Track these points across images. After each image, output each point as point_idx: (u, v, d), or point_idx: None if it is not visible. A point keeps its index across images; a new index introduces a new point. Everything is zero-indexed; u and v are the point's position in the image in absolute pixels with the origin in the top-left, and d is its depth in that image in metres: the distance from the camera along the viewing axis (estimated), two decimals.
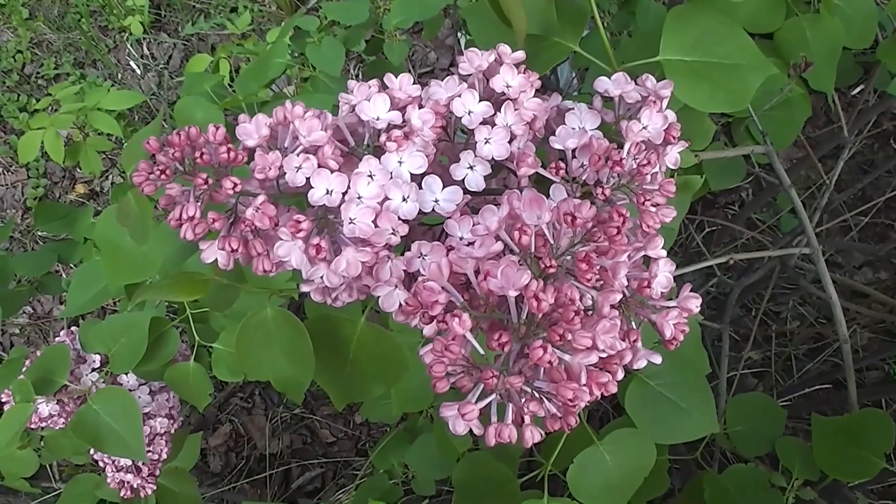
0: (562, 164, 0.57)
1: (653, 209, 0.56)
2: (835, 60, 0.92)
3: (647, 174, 0.56)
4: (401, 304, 0.54)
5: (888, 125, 2.04)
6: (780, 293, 1.89)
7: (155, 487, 1.15)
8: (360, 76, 2.46)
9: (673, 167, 0.61)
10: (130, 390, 1.13)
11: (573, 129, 0.60)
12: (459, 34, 2.24)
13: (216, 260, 0.55)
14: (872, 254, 1.84)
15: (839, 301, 0.97)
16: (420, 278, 0.52)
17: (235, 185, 0.52)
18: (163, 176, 0.51)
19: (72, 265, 1.72)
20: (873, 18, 0.98)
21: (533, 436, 0.49)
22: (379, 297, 0.56)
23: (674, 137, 0.60)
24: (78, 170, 2.41)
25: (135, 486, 1.14)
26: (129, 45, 2.59)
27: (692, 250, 1.79)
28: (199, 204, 0.52)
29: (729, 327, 1.33)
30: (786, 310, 1.96)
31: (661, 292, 0.57)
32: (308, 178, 0.53)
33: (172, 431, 1.15)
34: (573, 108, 0.62)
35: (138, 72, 2.56)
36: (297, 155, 0.53)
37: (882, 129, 1.98)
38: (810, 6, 0.96)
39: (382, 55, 1.40)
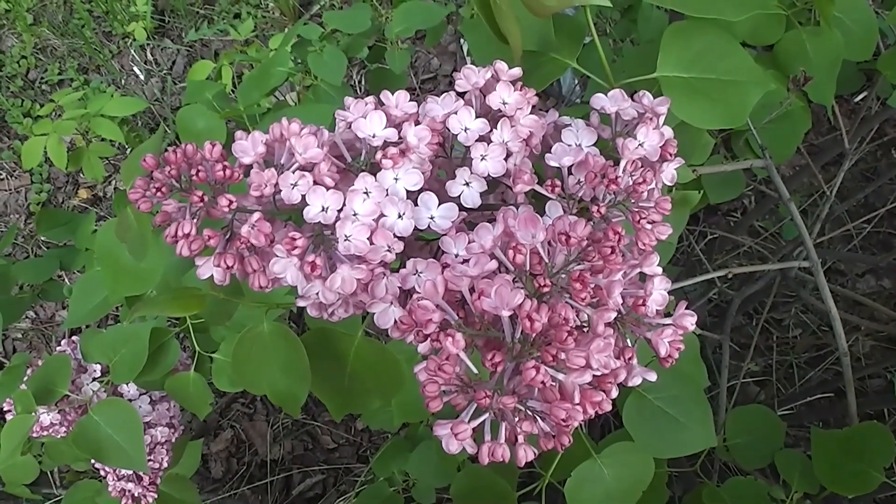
0: (557, 182, 0.57)
1: (648, 227, 0.56)
2: (835, 73, 0.91)
3: (642, 192, 0.56)
4: (396, 322, 0.54)
5: (892, 133, 2.03)
6: (783, 302, 1.89)
7: (156, 496, 1.15)
8: (364, 82, 2.46)
9: (669, 184, 0.61)
10: (131, 400, 1.13)
11: (569, 145, 0.60)
12: (462, 41, 2.24)
13: (213, 276, 0.55)
14: (874, 264, 1.84)
15: (840, 313, 0.97)
16: (415, 296, 0.52)
17: (231, 202, 0.52)
18: (158, 193, 0.51)
19: (76, 271, 1.73)
20: (874, 30, 0.98)
21: (526, 455, 0.49)
22: (374, 313, 0.56)
23: (670, 154, 0.60)
24: (81, 175, 2.41)
25: (136, 494, 1.14)
26: (132, 51, 2.60)
27: (694, 258, 1.78)
28: (195, 221, 0.52)
29: (730, 337, 1.33)
30: (788, 317, 1.96)
31: (657, 310, 0.56)
32: (304, 196, 0.53)
33: (173, 440, 1.15)
34: (570, 125, 0.62)
35: (142, 77, 2.57)
36: (293, 172, 0.53)
37: (886, 137, 1.98)
38: (811, 17, 0.96)
39: (385, 63, 1.40)
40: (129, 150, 2.26)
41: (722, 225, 2.01)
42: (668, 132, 0.61)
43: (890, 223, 1.99)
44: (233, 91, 1.97)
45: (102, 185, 2.44)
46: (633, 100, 0.62)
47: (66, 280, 2.04)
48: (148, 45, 2.59)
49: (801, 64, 0.91)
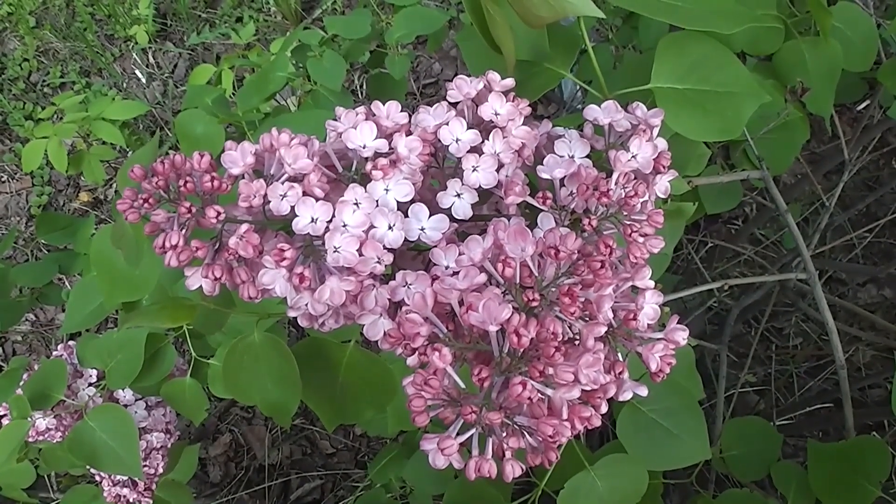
0: (549, 194, 0.57)
1: (640, 240, 0.56)
2: (833, 83, 0.91)
3: (634, 204, 0.56)
4: (385, 334, 0.54)
5: (895, 142, 2.02)
6: (783, 311, 1.88)
7: (151, 501, 1.15)
8: (365, 86, 2.46)
9: (663, 196, 0.61)
10: (127, 405, 1.13)
11: (562, 157, 0.59)
12: None
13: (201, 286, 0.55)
14: (873, 275, 1.83)
15: (839, 325, 0.96)
16: (404, 308, 0.52)
17: (219, 213, 0.51)
18: (146, 204, 0.51)
19: (75, 274, 1.73)
20: (874, 41, 0.97)
21: (514, 470, 0.48)
22: (364, 325, 0.55)
23: (664, 167, 0.59)
24: (82, 178, 2.42)
25: (131, 500, 1.14)
26: (134, 55, 2.60)
27: (693, 266, 1.78)
28: (183, 231, 0.52)
29: (728, 346, 1.32)
30: (789, 326, 1.95)
31: (649, 324, 0.56)
32: (293, 207, 0.53)
33: (169, 445, 1.15)
34: (563, 136, 0.61)
35: (143, 81, 2.57)
36: (282, 183, 0.53)
37: (888, 146, 1.97)
38: (811, 27, 0.95)
39: (385, 68, 1.39)
40: (130, 153, 2.26)
41: (723, 233, 2.00)
42: (661, 144, 0.60)
43: (892, 233, 1.98)
44: (233, 95, 1.97)
45: (103, 188, 2.44)
46: (626, 111, 0.61)
47: (66, 283, 2.05)
48: (150, 48, 2.60)
49: (799, 74, 0.90)
